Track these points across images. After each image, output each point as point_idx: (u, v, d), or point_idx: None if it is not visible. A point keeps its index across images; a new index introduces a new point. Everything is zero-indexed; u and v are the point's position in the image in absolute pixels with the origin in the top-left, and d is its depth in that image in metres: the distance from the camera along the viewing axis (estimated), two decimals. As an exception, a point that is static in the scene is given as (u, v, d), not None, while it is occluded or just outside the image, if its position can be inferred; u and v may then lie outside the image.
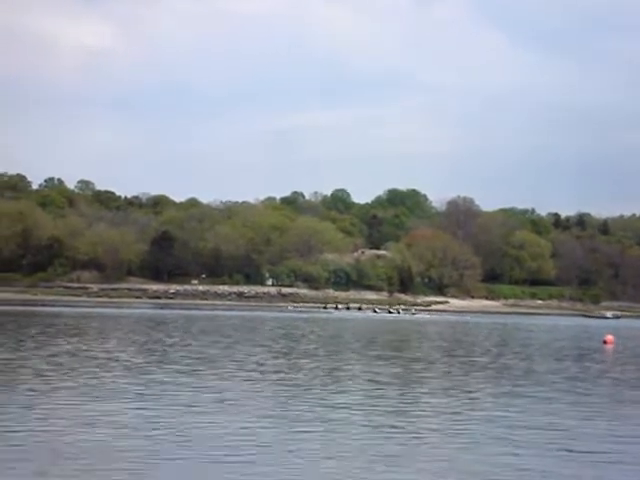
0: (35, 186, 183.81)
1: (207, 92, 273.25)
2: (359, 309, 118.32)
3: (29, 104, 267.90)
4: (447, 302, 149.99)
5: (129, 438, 17.36)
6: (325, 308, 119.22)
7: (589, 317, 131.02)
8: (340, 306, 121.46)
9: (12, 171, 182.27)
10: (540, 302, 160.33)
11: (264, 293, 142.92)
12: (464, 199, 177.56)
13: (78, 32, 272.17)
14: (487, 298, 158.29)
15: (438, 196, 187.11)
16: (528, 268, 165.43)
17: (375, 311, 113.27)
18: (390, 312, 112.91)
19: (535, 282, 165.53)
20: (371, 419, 20.70)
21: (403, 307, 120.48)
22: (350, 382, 28.66)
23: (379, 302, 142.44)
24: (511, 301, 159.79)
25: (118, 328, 58.66)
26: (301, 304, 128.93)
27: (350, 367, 34.04)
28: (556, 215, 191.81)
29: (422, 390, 26.96)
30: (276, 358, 37.08)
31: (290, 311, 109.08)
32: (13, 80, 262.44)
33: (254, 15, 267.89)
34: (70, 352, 36.70)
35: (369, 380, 29.24)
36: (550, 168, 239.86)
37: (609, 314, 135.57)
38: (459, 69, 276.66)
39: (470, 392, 26.69)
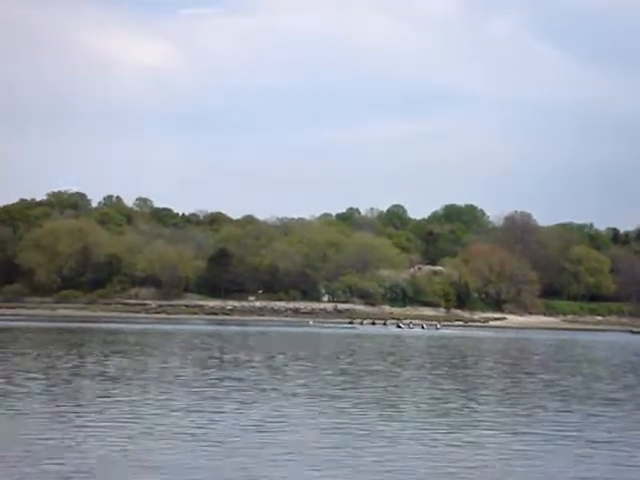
0: (94, 204, 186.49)
1: (264, 108, 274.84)
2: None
3: (89, 122, 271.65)
4: (504, 318, 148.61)
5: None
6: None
7: None
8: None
9: (72, 189, 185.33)
10: (599, 318, 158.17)
11: (320, 309, 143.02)
12: (521, 214, 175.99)
13: (138, 50, 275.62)
14: (545, 314, 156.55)
15: (495, 211, 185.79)
16: (586, 284, 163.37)
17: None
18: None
19: (594, 298, 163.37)
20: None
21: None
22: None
23: (436, 318, 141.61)
24: (570, 317, 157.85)
25: (177, 344, 59.17)
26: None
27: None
28: (615, 230, 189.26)
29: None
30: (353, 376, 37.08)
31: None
32: (73, 98, 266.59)
33: (310, 29, 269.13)
34: (129, 368, 37.15)
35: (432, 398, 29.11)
36: (609, 182, 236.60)
37: None
38: (515, 83, 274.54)
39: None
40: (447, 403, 27.92)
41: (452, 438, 20.64)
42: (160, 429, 20.52)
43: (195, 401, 26.16)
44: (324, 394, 29.18)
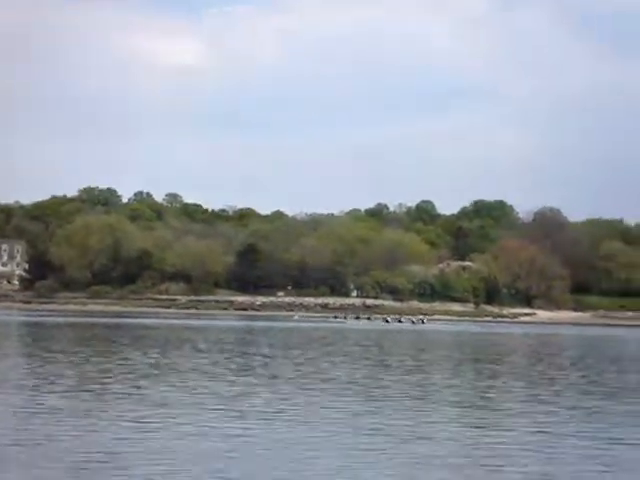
0: (125, 200, 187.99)
1: (295, 106, 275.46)
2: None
3: (120, 119, 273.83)
4: (534, 314, 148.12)
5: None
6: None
7: None
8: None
9: (103, 185, 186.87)
10: (630, 314, 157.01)
11: (349, 305, 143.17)
12: (551, 209, 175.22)
13: (171, 49, 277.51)
14: (575, 310, 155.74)
15: (525, 207, 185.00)
16: (617, 279, 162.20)
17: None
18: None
19: (625, 293, 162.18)
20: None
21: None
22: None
23: (465, 314, 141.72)
24: (600, 312, 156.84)
25: (208, 340, 59.61)
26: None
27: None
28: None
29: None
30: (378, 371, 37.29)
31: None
32: (106, 96, 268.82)
33: (341, 27, 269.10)
34: (161, 364, 37.60)
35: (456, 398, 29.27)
36: (638, 176, 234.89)
37: None
38: (545, 77, 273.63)
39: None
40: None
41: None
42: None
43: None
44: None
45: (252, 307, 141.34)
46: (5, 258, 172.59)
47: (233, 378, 32.13)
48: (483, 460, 17.44)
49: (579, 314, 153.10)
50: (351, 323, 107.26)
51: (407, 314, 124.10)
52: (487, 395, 29.19)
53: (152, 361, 38.87)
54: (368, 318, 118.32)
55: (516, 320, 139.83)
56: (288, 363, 39.95)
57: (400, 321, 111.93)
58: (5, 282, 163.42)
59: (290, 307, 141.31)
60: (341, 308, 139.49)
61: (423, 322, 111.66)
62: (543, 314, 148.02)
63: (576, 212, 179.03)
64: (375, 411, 23.95)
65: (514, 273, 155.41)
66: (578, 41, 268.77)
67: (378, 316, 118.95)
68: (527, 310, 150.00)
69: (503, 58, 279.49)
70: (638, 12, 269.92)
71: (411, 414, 23.77)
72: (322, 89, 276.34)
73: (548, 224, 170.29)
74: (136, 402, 24.42)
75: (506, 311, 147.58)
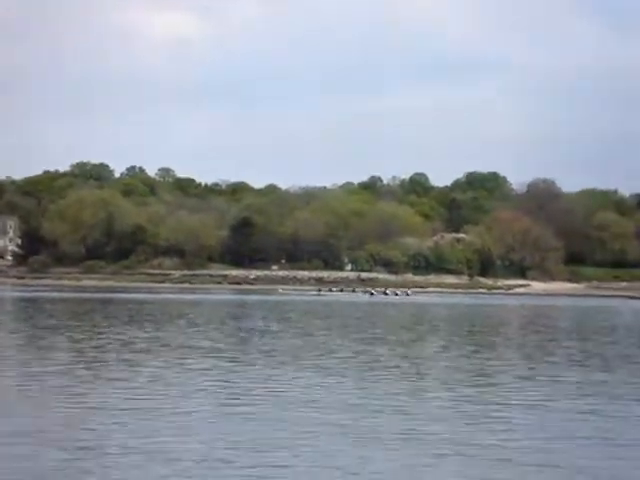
0: (117, 174, 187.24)
1: (287, 77, 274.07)
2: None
3: (111, 94, 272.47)
4: (528, 285, 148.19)
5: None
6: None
7: None
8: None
9: (95, 160, 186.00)
10: (624, 284, 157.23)
11: (342, 278, 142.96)
12: (545, 181, 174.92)
13: (161, 21, 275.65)
14: (569, 281, 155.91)
15: (518, 178, 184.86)
16: (611, 250, 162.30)
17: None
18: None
19: (619, 264, 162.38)
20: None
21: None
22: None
23: (459, 286, 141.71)
24: (594, 283, 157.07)
25: (205, 314, 59.50)
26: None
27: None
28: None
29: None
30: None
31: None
32: (96, 70, 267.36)
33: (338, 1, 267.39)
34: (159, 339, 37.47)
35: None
36: (632, 147, 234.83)
37: None
38: (539, 49, 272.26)
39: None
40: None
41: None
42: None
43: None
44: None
45: (246, 281, 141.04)
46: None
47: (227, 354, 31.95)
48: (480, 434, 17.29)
49: (573, 285, 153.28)
50: (336, 295, 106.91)
51: (402, 287, 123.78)
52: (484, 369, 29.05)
53: (147, 335, 38.73)
54: (353, 290, 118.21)
55: (510, 292, 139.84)
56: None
57: (386, 293, 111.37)
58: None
59: (284, 280, 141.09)
60: (335, 281, 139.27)
61: (407, 294, 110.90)
62: (537, 285, 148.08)
63: (570, 183, 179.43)
64: (368, 386, 23.81)
65: (508, 245, 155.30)
66: (577, 16, 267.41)
67: (368, 289, 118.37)
68: (521, 282, 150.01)
69: (495, 30, 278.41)
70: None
71: (405, 387, 23.65)
72: (313, 59, 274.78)
73: (542, 195, 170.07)
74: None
75: (500, 283, 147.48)
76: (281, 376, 25.08)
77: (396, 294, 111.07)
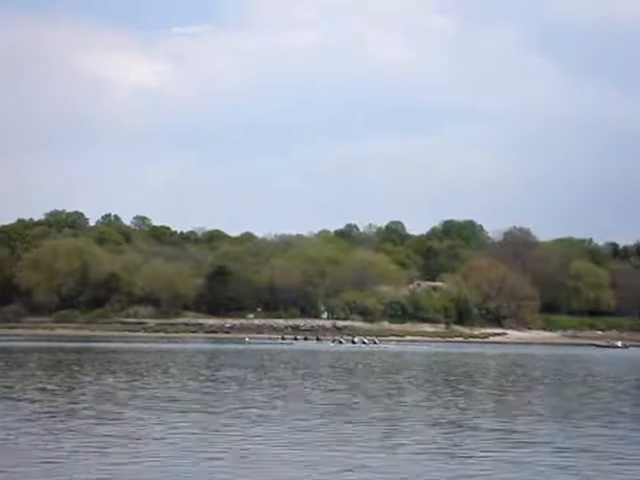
0: (92, 223, 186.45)
1: (262, 125, 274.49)
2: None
3: (87, 142, 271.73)
4: (505, 334, 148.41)
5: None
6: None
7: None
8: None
9: (70, 208, 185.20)
10: (600, 333, 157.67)
11: (319, 326, 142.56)
12: (520, 229, 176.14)
13: (133, 70, 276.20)
14: (545, 329, 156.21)
15: (494, 227, 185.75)
16: (586, 299, 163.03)
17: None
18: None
19: (594, 313, 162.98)
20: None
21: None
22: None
23: (436, 334, 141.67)
24: (569, 332, 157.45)
25: (176, 363, 58.78)
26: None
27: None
28: (614, 245, 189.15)
29: None
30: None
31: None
32: (72, 118, 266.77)
33: (306, 48, 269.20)
34: (130, 388, 36.85)
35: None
36: (607, 197, 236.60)
37: (619, 343, 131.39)
38: (512, 98, 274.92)
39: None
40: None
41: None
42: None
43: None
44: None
45: (222, 330, 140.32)
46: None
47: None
48: None
49: (549, 334, 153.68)
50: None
51: (378, 335, 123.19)
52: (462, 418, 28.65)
53: (123, 385, 38.09)
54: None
55: (487, 340, 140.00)
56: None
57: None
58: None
59: (260, 329, 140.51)
60: (311, 330, 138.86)
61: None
62: (514, 334, 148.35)
63: (546, 231, 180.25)
64: (347, 437, 23.35)
65: (484, 293, 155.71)
66: (547, 60, 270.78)
67: (337, 337, 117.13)
68: (498, 330, 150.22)
69: (471, 79, 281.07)
70: (604, 29, 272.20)
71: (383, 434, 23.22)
72: (289, 107, 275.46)
73: (518, 243, 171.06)
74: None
75: (477, 331, 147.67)
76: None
77: (364, 342, 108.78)
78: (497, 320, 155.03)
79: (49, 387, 37.13)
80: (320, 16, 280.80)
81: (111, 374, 45.78)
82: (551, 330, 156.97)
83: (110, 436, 22.33)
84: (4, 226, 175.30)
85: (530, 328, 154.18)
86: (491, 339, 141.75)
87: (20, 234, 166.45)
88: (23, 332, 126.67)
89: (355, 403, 32.33)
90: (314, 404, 31.50)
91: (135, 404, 30.45)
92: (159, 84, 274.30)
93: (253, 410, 28.94)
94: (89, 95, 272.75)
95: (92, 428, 23.88)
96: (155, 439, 22.10)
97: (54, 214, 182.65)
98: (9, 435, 22.37)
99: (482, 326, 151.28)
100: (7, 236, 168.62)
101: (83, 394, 34.16)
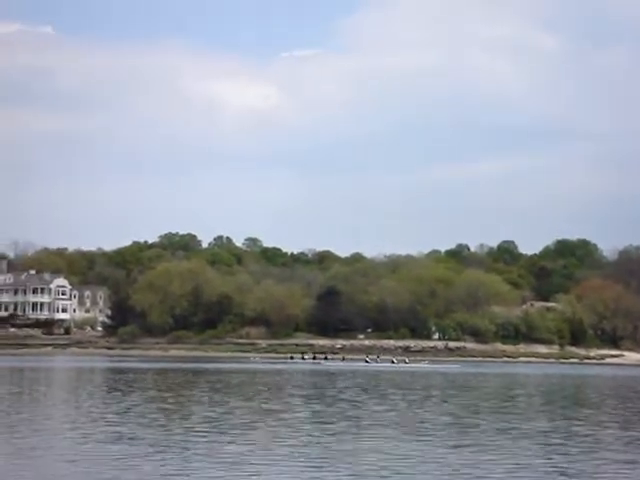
0: (205, 244, 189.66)
1: (370, 147, 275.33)
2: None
3: (198, 165, 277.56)
4: (622, 355, 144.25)
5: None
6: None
7: None
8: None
9: (183, 230, 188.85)
10: None
11: (431, 347, 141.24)
12: (636, 248, 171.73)
13: (245, 94, 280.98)
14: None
15: (609, 245, 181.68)
16: None
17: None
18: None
19: None
20: None
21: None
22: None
23: (550, 355, 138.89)
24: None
25: (291, 383, 58.91)
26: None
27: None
28: None
29: None
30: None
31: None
32: (183, 142, 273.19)
33: (412, 70, 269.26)
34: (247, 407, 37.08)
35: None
36: None
37: None
38: (624, 115, 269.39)
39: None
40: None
41: None
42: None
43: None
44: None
45: (332, 351, 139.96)
46: (88, 304, 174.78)
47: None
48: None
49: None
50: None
51: (492, 356, 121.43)
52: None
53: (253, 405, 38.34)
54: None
55: (603, 362, 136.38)
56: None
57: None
58: (89, 328, 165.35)
59: (370, 350, 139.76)
60: (423, 351, 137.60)
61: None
62: (631, 355, 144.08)
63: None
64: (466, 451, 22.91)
65: (599, 313, 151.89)
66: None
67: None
68: (614, 352, 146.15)
69: (581, 97, 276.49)
70: None
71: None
72: (400, 127, 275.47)
73: (633, 263, 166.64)
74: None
75: (593, 352, 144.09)
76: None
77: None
78: (613, 341, 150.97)
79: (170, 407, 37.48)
80: (432, 40, 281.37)
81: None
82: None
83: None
84: (120, 248, 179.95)
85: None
86: (607, 360, 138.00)
87: (135, 256, 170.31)
88: (138, 353, 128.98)
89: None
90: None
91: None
92: (269, 107, 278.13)
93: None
94: (202, 119, 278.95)
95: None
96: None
97: (168, 236, 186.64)
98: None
99: (597, 347, 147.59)
100: (122, 258, 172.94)
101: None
